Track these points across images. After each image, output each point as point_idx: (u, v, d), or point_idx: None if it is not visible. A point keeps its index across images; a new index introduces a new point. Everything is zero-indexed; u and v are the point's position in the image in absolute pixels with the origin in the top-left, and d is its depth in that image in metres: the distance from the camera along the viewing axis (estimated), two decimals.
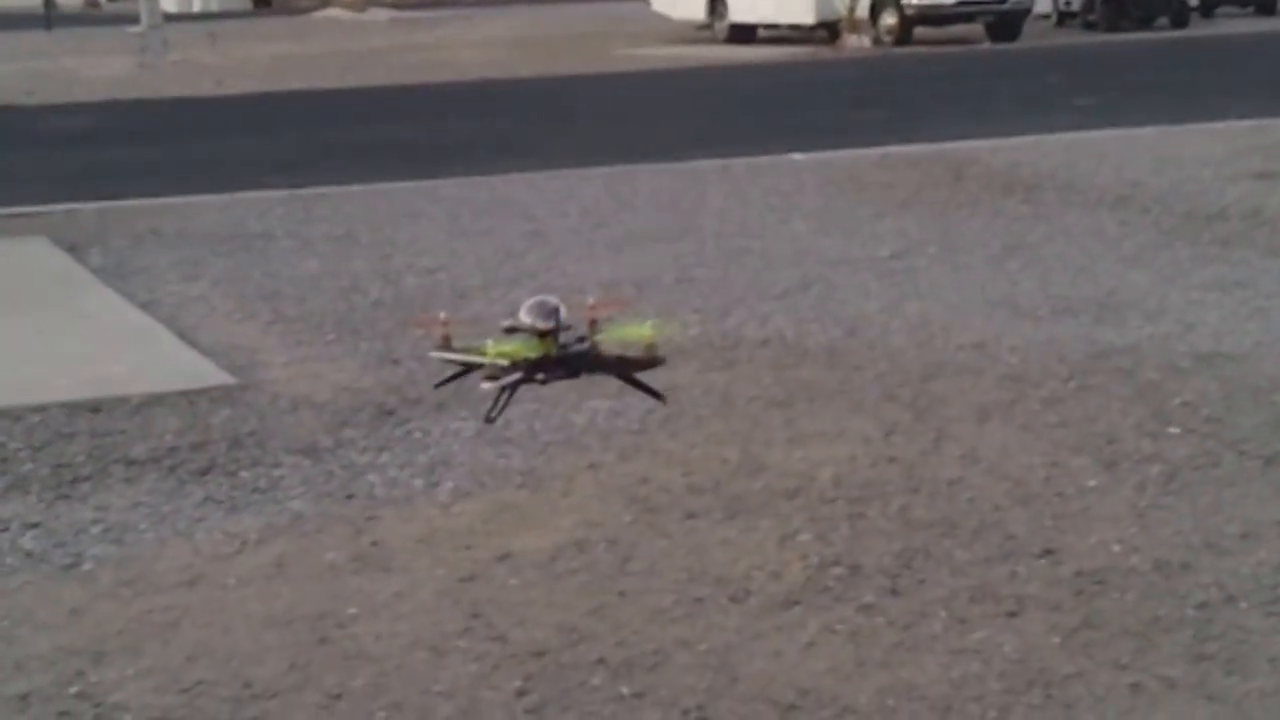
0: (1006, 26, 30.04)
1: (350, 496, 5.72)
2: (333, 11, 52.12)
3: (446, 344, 5.57)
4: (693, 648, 4.36)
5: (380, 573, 5.00)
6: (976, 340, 7.60)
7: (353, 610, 4.70)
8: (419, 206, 12.30)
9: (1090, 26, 32.51)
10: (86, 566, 5.13)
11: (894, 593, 4.70)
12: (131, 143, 18.05)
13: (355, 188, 13.30)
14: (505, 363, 4.97)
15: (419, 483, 5.83)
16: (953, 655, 4.30)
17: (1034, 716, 3.97)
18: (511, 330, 5.07)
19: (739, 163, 13.97)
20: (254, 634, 4.56)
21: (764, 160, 14.10)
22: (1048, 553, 4.97)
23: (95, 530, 5.45)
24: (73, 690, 4.25)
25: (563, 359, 4.99)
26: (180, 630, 4.61)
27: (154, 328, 8.37)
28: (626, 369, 5.44)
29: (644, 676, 4.21)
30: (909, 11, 29.37)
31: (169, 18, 34.37)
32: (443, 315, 5.24)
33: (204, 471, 6.04)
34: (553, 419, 6.53)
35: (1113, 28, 31.69)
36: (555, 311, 4.98)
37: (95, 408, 6.85)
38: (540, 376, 5.24)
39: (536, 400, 6.76)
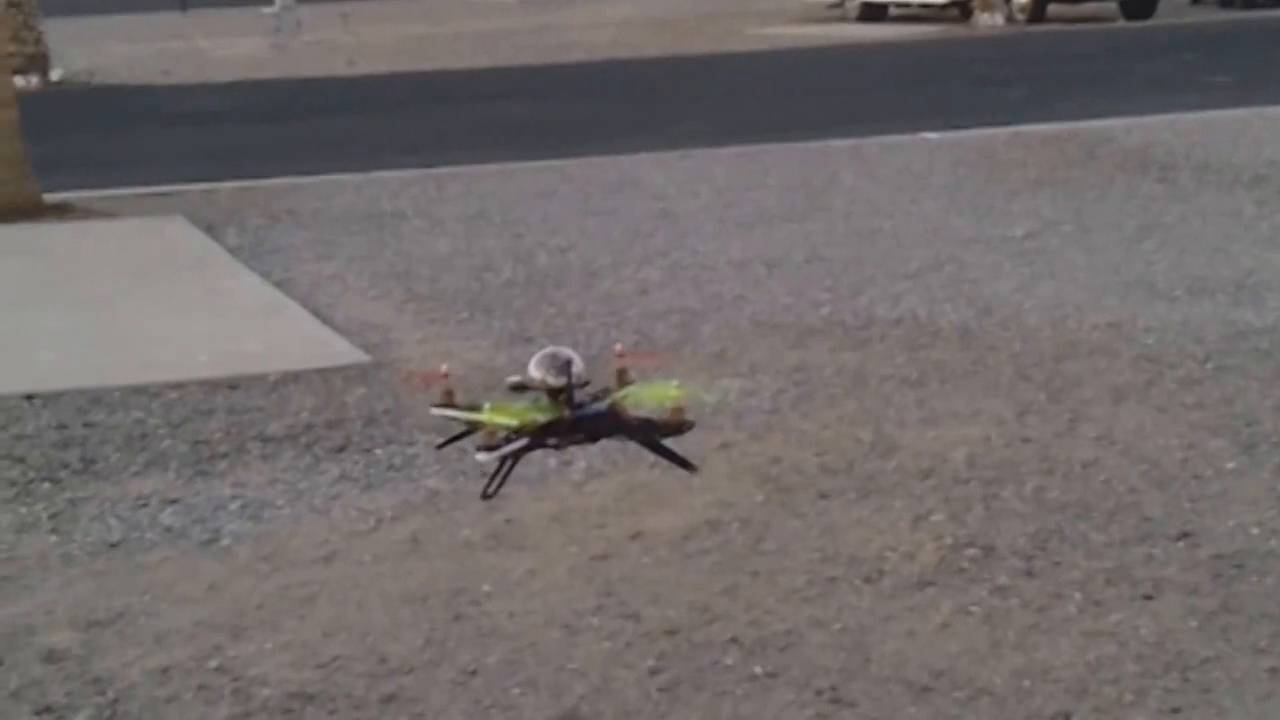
0: (1141, 3, 29.59)
1: (485, 475, 5.74)
2: None
3: (449, 400, 5.38)
4: (826, 628, 4.36)
5: (514, 550, 5.03)
6: (1111, 320, 7.51)
7: (487, 587, 4.74)
8: (550, 185, 12.35)
9: (1226, 4, 31.95)
10: (225, 542, 5.21)
11: (1029, 574, 4.67)
12: (265, 122, 18.26)
13: (487, 167, 13.36)
14: (509, 426, 4.72)
15: (552, 462, 5.84)
16: (1088, 638, 4.26)
17: (1170, 700, 3.93)
18: (519, 388, 4.79)
19: (870, 142, 13.89)
20: (390, 610, 4.61)
21: (895, 139, 14.01)
22: (1185, 535, 4.91)
23: (233, 506, 5.52)
24: (212, 664, 4.31)
25: (578, 421, 4.71)
26: (317, 606, 4.67)
27: (289, 306, 8.46)
28: (652, 434, 5.19)
29: (777, 656, 4.20)
30: None
31: None
32: (444, 368, 5.00)
33: (340, 449, 6.10)
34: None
35: (1249, 4, 31.14)
36: (568, 365, 4.65)
37: (233, 385, 6.94)
38: (553, 441, 5.02)
39: (665, 378, 6.76)
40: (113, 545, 5.19)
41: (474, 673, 4.20)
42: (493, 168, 13.36)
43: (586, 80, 22.31)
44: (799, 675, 4.10)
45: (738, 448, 5.90)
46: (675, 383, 5.10)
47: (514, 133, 16.09)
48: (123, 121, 18.90)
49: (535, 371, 4.93)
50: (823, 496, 5.34)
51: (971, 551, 4.83)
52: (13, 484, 5.79)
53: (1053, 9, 29.28)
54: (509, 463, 4.70)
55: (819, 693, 4.01)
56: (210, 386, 6.93)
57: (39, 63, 22.36)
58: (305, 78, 23.55)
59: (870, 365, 6.91)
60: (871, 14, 31.80)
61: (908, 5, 31.63)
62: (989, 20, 29.13)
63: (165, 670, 4.28)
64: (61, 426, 6.43)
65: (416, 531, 5.22)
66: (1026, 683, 4.03)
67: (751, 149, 13.84)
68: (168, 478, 5.84)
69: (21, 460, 6.04)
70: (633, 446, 4.63)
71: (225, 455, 6.07)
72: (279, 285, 8.97)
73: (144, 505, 5.55)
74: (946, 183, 11.71)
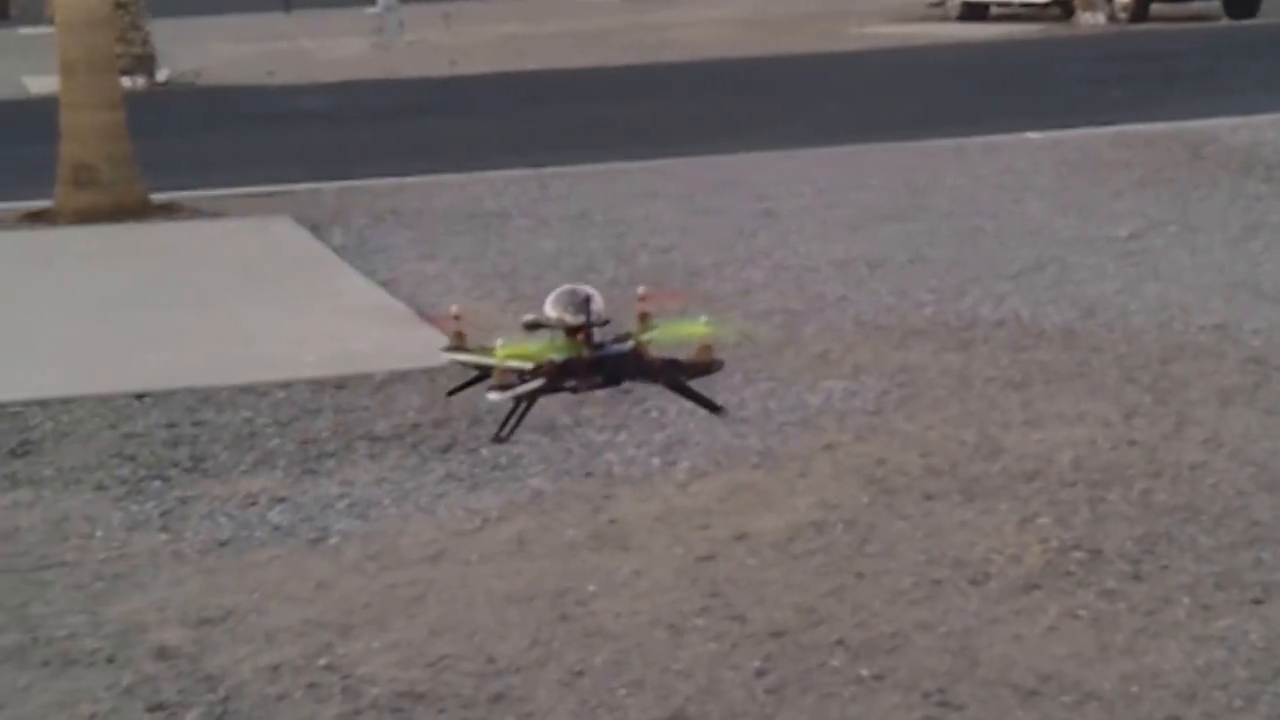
0: (1244, 2, 29.22)
1: (589, 474, 5.78)
2: None
3: (460, 343, 5.18)
4: (932, 630, 4.35)
5: (619, 551, 5.04)
6: (1218, 322, 7.44)
7: (592, 588, 4.76)
8: (652, 185, 12.37)
9: None
10: (333, 541, 5.25)
11: (1136, 578, 4.64)
12: (369, 122, 18.40)
13: (589, 167, 13.40)
14: (523, 367, 4.48)
15: (656, 461, 5.87)
16: (1197, 642, 4.22)
17: None
18: (534, 326, 4.59)
19: (972, 141, 13.82)
20: (496, 610, 4.64)
21: (998, 139, 13.92)
22: None
23: (341, 505, 5.57)
24: (321, 662, 4.35)
25: (598, 362, 4.48)
26: (425, 605, 4.70)
27: (394, 305, 8.52)
28: (677, 375, 5.01)
29: (883, 658, 4.20)
30: None
31: None
32: (454, 309, 4.81)
33: (445, 448, 6.14)
34: (787, 399, 6.53)
35: None
36: (587, 303, 4.44)
37: (339, 384, 7.00)
38: (571, 384, 4.83)
39: (771, 379, 6.78)
40: (222, 543, 5.26)
41: (581, 673, 4.22)
42: (595, 167, 13.39)
43: (688, 79, 22.31)
44: (906, 678, 4.09)
45: (842, 449, 5.89)
46: (702, 319, 4.96)
47: (616, 132, 16.13)
48: (228, 121, 19.11)
49: (552, 310, 4.77)
50: (928, 498, 5.33)
51: (1078, 555, 4.80)
52: (124, 482, 5.87)
53: (1155, 8, 28.99)
54: (523, 404, 4.54)
55: (926, 695, 4.00)
56: (317, 386, 6.99)
57: (145, 64, 22.64)
58: (408, 78, 23.70)
59: (974, 367, 6.88)
60: (973, 13, 31.59)
61: (1009, 4, 31.40)
62: (1091, 19, 28.88)
63: (275, 668, 4.33)
64: (171, 425, 6.51)
65: (522, 531, 5.25)
66: (1135, 688, 4.00)
67: (854, 149, 13.82)
68: (276, 476, 5.91)
69: (132, 458, 6.13)
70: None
71: (333, 454, 6.12)
72: (384, 285, 9.03)
73: (253, 504, 5.61)
74: (1050, 183, 11.63)
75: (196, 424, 6.52)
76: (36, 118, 15.47)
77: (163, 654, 4.43)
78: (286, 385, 7.01)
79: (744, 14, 35.67)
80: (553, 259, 9.62)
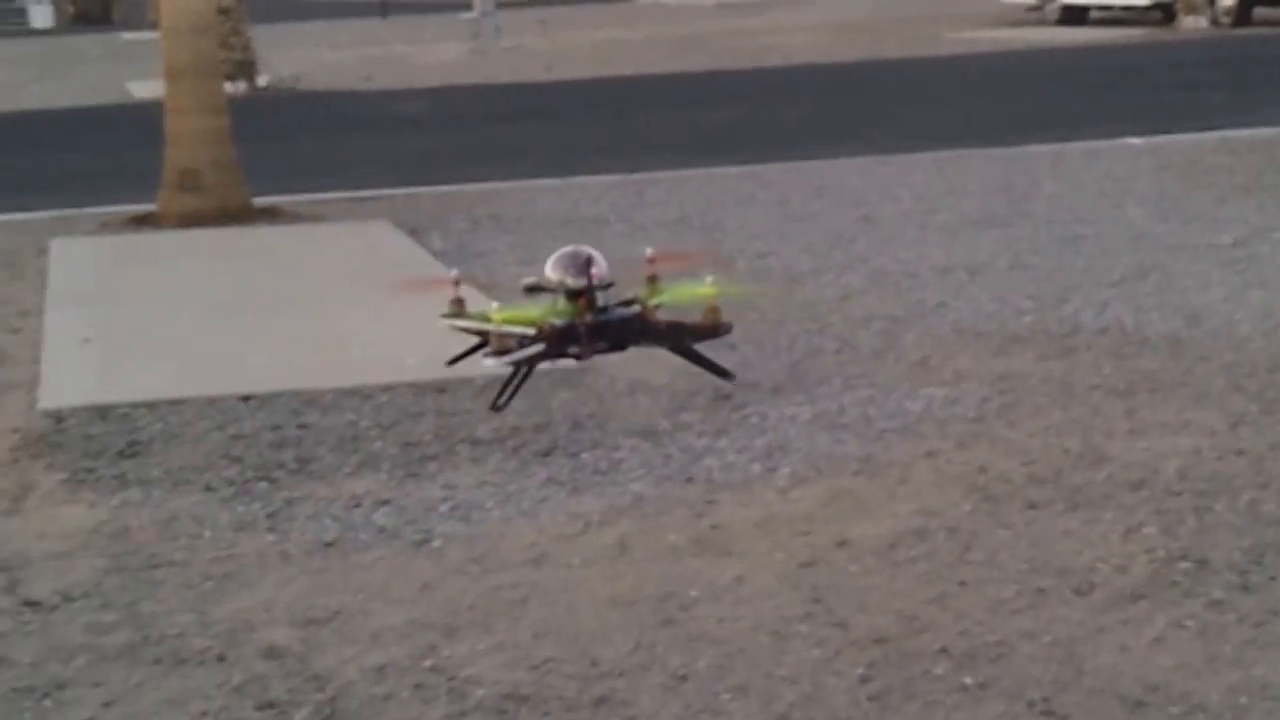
0: None
1: (689, 480, 5.79)
2: None
3: (459, 309, 5.05)
4: (1037, 639, 4.33)
5: (721, 556, 5.06)
6: None
7: (694, 593, 4.77)
8: (748, 191, 12.37)
9: None
10: (436, 543, 5.29)
11: (1244, 589, 4.60)
12: (467, 127, 18.50)
13: (686, 172, 13.42)
14: (524, 332, 4.29)
15: (757, 467, 5.87)
16: None
17: None
18: (535, 290, 4.45)
19: (1073, 147, 13.73)
20: (599, 613, 4.66)
21: (1098, 144, 13.83)
22: None
23: (444, 508, 5.61)
24: (427, 664, 4.39)
25: (602, 326, 4.34)
26: (528, 608, 4.73)
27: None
28: (684, 339, 4.84)
29: (987, 667, 4.19)
30: None
31: (500, 4, 35.02)
32: (453, 274, 4.67)
33: (546, 452, 6.17)
34: (887, 405, 6.52)
35: None
36: (589, 264, 4.31)
37: (441, 388, 7.05)
38: (574, 351, 4.69)
39: (871, 386, 6.77)
40: (328, 544, 5.31)
41: (684, 677, 4.23)
42: (692, 173, 13.41)
43: (784, 84, 22.28)
44: (1010, 687, 4.08)
45: (943, 456, 5.87)
46: (709, 279, 4.84)
47: (712, 137, 16.14)
48: (327, 126, 19.27)
49: (553, 272, 4.65)
50: (1031, 507, 5.31)
51: (1184, 565, 4.77)
52: (231, 483, 5.94)
53: (1258, 12, 28.66)
54: (522, 370, 4.40)
55: (1030, 704, 3.99)
56: (419, 389, 7.04)
57: (246, 69, 22.87)
58: (505, 83, 23.80)
59: (1076, 374, 6.84)
60: (1072, 17, 31.34)
61: (1109, 8, 31.14)
62: (1193, 23, 28.59)
63: (382, 669, 4.37)
64: (276, 427, 6.59)
65: (624, 536, 5.27)
66: (1243, 699, 3.97)
67: (952, 154, 13.76)
68: (380, 478, 5.96)
69: (239, 460, 6.20)
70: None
71: (435, 457, 6.17)
72: (483, 289, 9.07)
73: (357, 505, 5.67)
74: (1151, 189, 11.54)
75: (301, 426, 6.59)
76: (141, 122, 15.66)
77: (271, 653, 4.48)
78: (389, 388, 7.06)
79: (838, 19, 35.58)
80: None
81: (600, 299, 4.35)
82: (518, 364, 4.29)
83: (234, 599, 4.88)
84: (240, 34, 22.71)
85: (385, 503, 5.69)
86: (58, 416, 6.83)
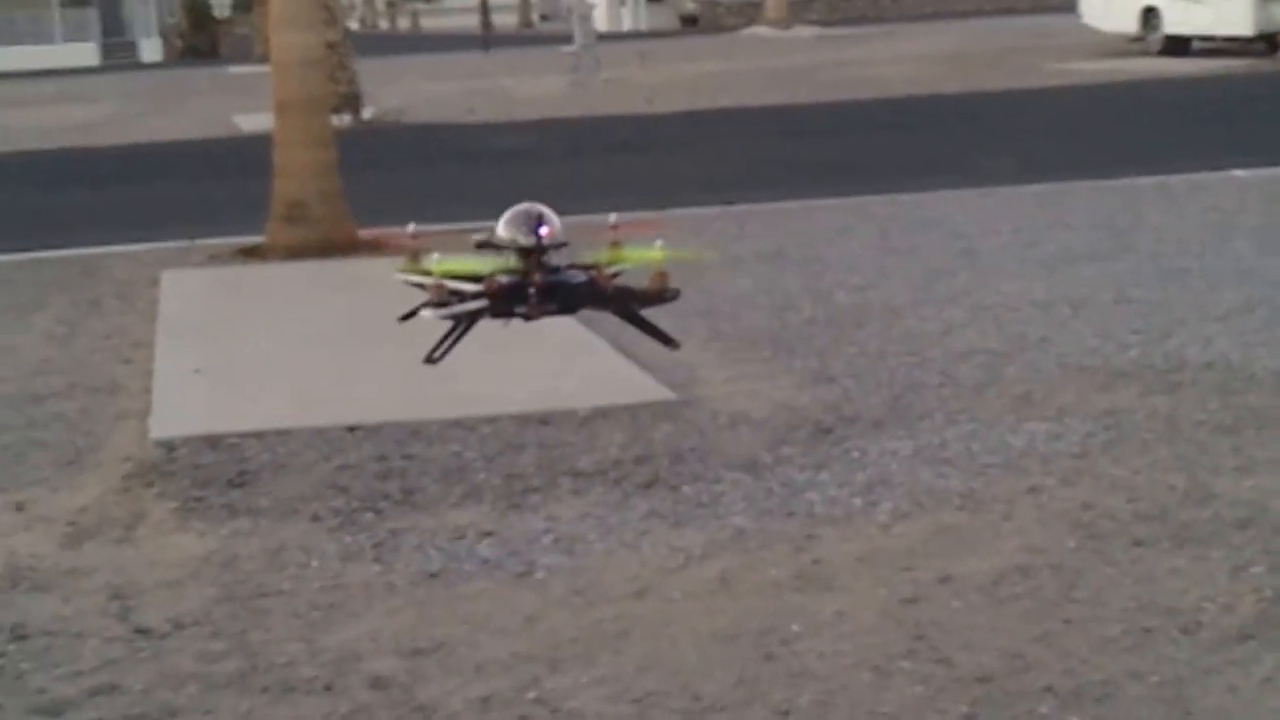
0: None
1: (791, 514, 5.80)
2: (758, 29, 52.64)
3: (415, 265, 4.96)
4: (1143, 679, 4.30)
5: (822, 591, 5.06)
6: None
7: (796, 627, 4.77)
8: (847, 223, 12.37)
9: None
10: (539, 575, 5.33)
11: None
12: (567, 159, 18.60)
13: (785, 204, 13.44)
14: (468, 287, 4.17)
15: (858, 502, 5.87)
16: None
17: None
18: (485, 246, 4.38)
19: (1176, 179, 13.63)
20: (701, 647, 4.67)
21: (1203, 177, 13.73)
22: None
23: (547, 540, 5.65)
24: (530, 695, 4.42)
25: (552, 287, 4.27)
26: (630, 641, 4.75)
27: (597, 343, 8.60)
28: (631, 305, 4.76)
29: (1093, 707, 4.17)
30: None
31: (600, 37, 35.17)
32: (410, 227, 4.59)
33: (648, 485, 6.20)
34: (990, 440, 6.49)
35: None
36: (539, 222, 4.25)
37: (544, 420, 7.10)
38: (522, 310, 4.60)
39: (973, 421, 6.75)
40: (432, 575, 5.36)
41: (786, 713, 4.24)
42: (791, 205, 13.43)
43: (883, 116, 22.26)
44: None
45: (1047, 492, 5.85)
46: (658, 243, 4.77)
47: (811, 170, 16.15)
48: (431, 158, 19.44)
49: (504, 230, 4.59)
50: (1136, 544, 5.27)
51: None
52: (337, 513, 6.01)
53: None
54: (462, 325, 4.32)
55: None
56: (522, 421, 7.09)
57: (352, 102, 23.13)
58: (605, 115, 23.92)
59: (1182, 410, 6.79)
60: (1174, 48, 31.11)
61: (1212, 39, 30.89)
62: None
63: (485, 700, 4.40)
64: (382, 458, 6.65)
65: (725, 570, 5.28)
66: None
67: (1054, 187, 13.70)
68: (483, 510, 6.00)
69: (345, 490, 6.27)
70: None
71: (538, 489, 6.21)
72: (585, 322, 9.10)
73: (461, 537, 5.71)
74: (1258, 222, 11.43)
75: (406, 457, 6.66)
76: (248, 155, 15.89)
77: (377, 683, 4.52)
78: (492, 420, 7.12)
79: (939, 50, 35.49)
80: (749, 297, 9.66)
81: (551, 260, 4.29)
82: (458, 318, 4.23)
83: (341, 629, 4.93)
84: (346, 68, 22.97)
85: (489, 534, 5.73)
86: (169, 446, 6.94)
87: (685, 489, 6.12)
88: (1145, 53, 31.41)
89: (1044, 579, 5.02)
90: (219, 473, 6.55)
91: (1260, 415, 6.66)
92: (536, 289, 4.29)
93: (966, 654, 4.51)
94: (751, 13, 57.56)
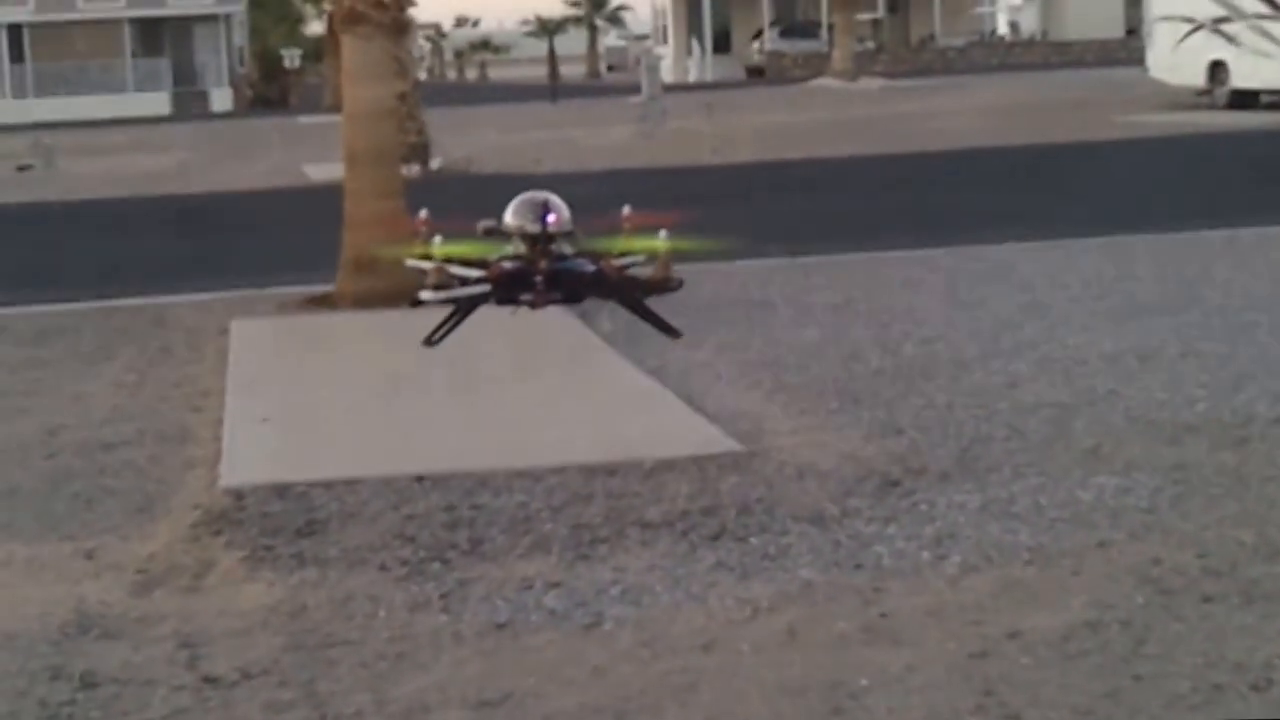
0: None
1: (858, 566, 5.79)
2: (824, 80, 52.77)
3: (425, 250, 4.94)
4: None
5: (890, 645, 5.05)
6: None
7: (864, 681, 4.76)
8: (915, 275, 12.36)
9: None
10: (606, 626, 5.33)
11: None
12: (634, 209, 18.62)
13: (851, 256, 13.43)
14: (472, 272, 4.12)
15: (926, 555, 5.86)
16: None
17: None
18: (492, 233, 4.36)
19: (1246, 233, 13.56)
20: (769, 700, 4.67)
21: (1271, 230, 13.65)
22: None
23: (614, 591, 5.65)
24: None
25: (557, 275, 4.24)
26: (698, 693, 4.75)
27: (663, 393, 8.62)
28: (636, 294, 4.74)
29: None
30: None
31: (667, 88, 35.35)
32: (423, 214, 4.56)
33: (715, 536, 6.20)
34: (1058, 494, 6.47)
35: None
36: (546, 209, 4.23)
37: (611, 470, 7.11)
38: (527, 298, 4.56)
39: (1041, 474, 6.72)
40: (500, 626, 5.37)
41: None
42: (857, 256, 13.42)
43: (948, 168, 22.26)
44: None
45: (1115, 547, 5.82)
46: (662, 233, 4.75)
47: (878, 221, 16.15)
48: (499, 208, 19.50)
49: (512, 218, 4.59)
50: (1206, 600, 5.24)
51: None
52: (405, 563, 6.03)
53: None
54: (462, 309, 4.29)
55: None
56: (589, 472, 7.10)
57: (421, 152, 23.30)
58: (671, 166, 24.01)
59: (1251, 465, 6.75)
60: (1242, 101, 31.01)
61: None
62: None
63: None
64: (450, 508, 6.68)
65: (792, 622, 5.28)
66: None
67: (1121, 239, 13.66)
68: (550, 561, 6.01)
69: (412, 540, 6.30)
70: None
71: (605, 540, 6.22)
72: (651, 372, 9.14)
73: (528, 587, 5.72)
74: None
75: (474, 507, 6.68)
76: (317, 204, 16.01)
77: None
78: (559, 470, 7.13)
79: (1005, 102, 35.47)
80: (817, 348, 9.66)
81: (558, 247, 4.28)
82: (458, 302, 4.22)
83: (409, 679, 4.95)
84: (415, 118, 23.17)
85: (556, 585, 5.74)
86: (238, 494, 6.99)
87: (752, 541, 6.12)
88: (1212, 106, 31.33)
89: (1113, 635, 4.99)
90: (287, 522, 6.59)
91: None
92: (542, 276, 4.29)
93: (1035, 710, 4.49)
94: (818, 64, 57.74)
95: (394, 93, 13.01)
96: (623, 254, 4.92)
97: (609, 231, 4.32)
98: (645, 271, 4.46)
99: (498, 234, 4.33)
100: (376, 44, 12.30)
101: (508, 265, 4.15)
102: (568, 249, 4.58)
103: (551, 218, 4.30)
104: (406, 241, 5.34)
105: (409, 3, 13.67)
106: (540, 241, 4.26)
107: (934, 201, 17.97)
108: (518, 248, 4.21)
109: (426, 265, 4.70)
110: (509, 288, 4.26)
